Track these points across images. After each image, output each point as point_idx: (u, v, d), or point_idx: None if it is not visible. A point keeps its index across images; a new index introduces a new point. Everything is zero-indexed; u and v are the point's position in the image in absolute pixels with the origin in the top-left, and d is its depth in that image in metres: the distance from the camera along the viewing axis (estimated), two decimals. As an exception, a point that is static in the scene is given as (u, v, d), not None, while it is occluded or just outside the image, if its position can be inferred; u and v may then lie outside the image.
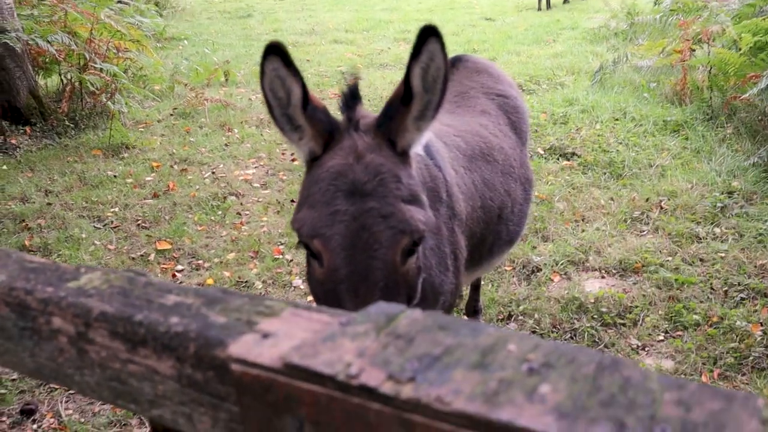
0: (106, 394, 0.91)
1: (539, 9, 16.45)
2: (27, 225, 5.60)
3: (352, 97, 1.84)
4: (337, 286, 1.66)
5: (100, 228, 5.62)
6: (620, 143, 6.64)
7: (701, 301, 4.22)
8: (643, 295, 4.30)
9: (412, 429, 0.63)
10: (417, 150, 1.82)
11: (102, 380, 0.90)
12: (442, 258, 2.46)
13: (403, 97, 1.70)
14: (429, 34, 1.57)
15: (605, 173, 6.11)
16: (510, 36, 12.90)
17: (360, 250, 1.64)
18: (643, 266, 4.61)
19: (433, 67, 1.64)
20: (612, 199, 5.63)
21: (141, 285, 0.92)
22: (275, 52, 1.61)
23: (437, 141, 2.71)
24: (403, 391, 0.64)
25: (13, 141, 7.53)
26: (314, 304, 0.96)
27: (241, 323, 0.81)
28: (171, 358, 0.81)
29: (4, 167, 6.85)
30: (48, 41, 7.81)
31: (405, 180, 1.70)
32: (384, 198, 1.65)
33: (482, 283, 4.46)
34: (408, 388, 0.64)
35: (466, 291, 4.27)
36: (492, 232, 2.94)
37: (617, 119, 7.25)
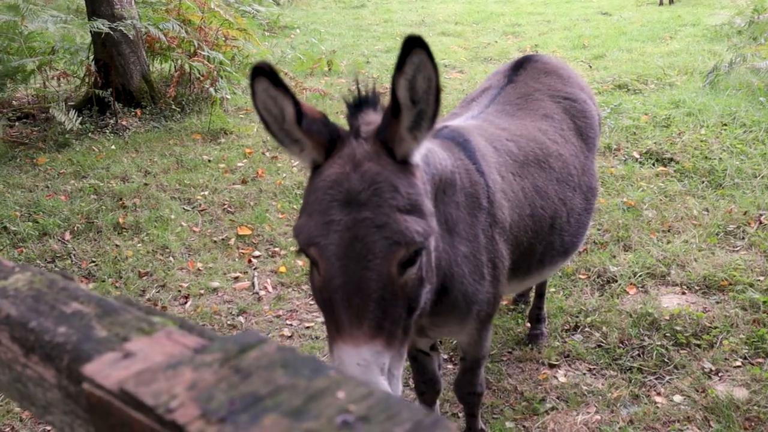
0: (15, 394, 0.94)
1: (660, 4, 15.60)
2: (123, 203, 5.93)
3: (355, 104, 1.82)
4: (333, 295, 1.65)
5: (188, 210, 5.87)
6: (724, 150, 6.20)
7: (790, 328, 3.89)
8: (725, 316, 4.01)
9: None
10: (417, 159, 1.76)
11: (11, 380, 0.93)
12: (477, 266, 2.38)
13: (392, 109, 1.66)
14: (413, 46, 1.52)
15: (703, 182, 5.73)
16: (624, 32, 12.33)
17: (354, 260, 1.61)
18: (729, 284, 4.30)
19: (420, 79, 1.59)
20: (707, 210, 5.28)
21: (56, 290, 0.94)
22: (262, 73, 1.61)
23: (486, 145, 2.63)
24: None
25: (124, 122, 7.98)
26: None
27: (117, 339, 0.81)
28: (53, 367, 0.83)
29: (113, 147, 7.27)
30: (159, 29, 8.21)
31: (403, 189, 1.66)
32: (379, 208, 1.61)
33: (550, 290, 4.31)
34: (213, 429, 0.62)
35: (532, 295, 4.14)
36: (542, 242, 2.82)
37: (725, 124, 6.78)
